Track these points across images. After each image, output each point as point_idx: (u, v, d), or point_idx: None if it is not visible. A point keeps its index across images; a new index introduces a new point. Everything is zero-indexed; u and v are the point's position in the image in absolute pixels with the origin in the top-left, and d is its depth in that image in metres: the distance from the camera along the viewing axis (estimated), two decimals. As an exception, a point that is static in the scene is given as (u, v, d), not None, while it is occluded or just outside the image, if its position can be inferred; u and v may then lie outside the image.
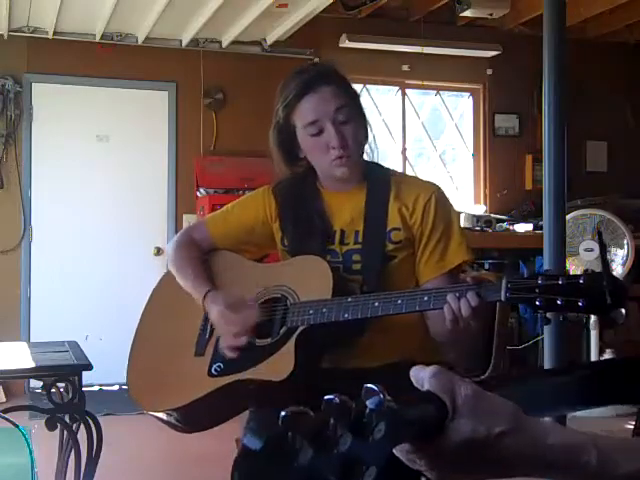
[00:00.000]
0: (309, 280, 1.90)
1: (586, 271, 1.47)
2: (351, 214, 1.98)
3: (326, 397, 0.68)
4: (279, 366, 1.80)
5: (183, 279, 2.07)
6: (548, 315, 1.54)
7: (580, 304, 1.45)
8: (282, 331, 1.86)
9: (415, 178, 2.12)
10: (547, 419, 0.81)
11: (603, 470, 0.76)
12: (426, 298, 1.71)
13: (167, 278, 2.20)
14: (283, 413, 0.66)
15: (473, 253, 2.00)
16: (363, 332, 1.86)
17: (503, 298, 1.58)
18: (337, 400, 0.68)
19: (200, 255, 2.10)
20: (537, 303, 1.51)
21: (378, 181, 2.00)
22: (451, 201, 2.03)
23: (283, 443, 0.65)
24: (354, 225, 1.97)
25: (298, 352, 1.80)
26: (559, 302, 1.48)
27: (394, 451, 0.76)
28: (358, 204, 1.98)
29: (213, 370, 1.91)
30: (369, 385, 0.71)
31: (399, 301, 1.73)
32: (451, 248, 1.94)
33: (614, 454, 0.77)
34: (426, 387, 0.79)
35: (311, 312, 1.82)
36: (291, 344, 1.82)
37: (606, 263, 1.44)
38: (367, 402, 0.70)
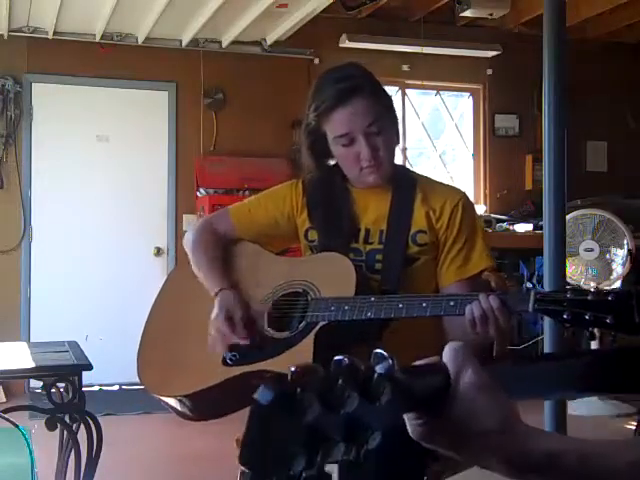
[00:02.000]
0: (332, 277, 1.90)
1: (615, 289, 1.48)
2: (376, 214, 2.00)
3: (335, 358, 0.69)
4: (296, 360, 1.80)
5: (199, 270, 2.07)
6: (595, 331, 1.54)
7: (608, 321, 1.46)
8: (301, 325, 1.86)
9: (442, 183, 2.14)
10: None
11: (585, 472, 0.77)
12: (452, 303, 1.71)
13: (182, 265, 2.21)
14: (293, 368, 0.67)
15: (494, 261, 2.02)
16: (382, 332, 1.86)
17: (531, 309, 1.59)
18: (346, 361, 0.68)
19: (219, 246, 2.10)
20: (565, 316, 1.52)
21: (404, 183, 2.02)
22: (476, 208, 2.07)
23: (292, 398, 0.65)
24: (379, 225, 1.99)
25: (317, 347, 1.80)
26: (587, 317, 1.49)
27: (405, 419, 0.76)
28: (384, 204, 2.00)
29: (228, 359, 1.91)
30: (379, 351, 0.72)
31: (424, 304, 1.73)
32: (474, 255, 1.96)
33: (596, 457, 0.78)
34: (443, 357, 0.80)
35: (332, 309, 1.82)
36: (310, 339, 1.82)
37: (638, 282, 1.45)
38: (376, 367, 0.70)
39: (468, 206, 2.00)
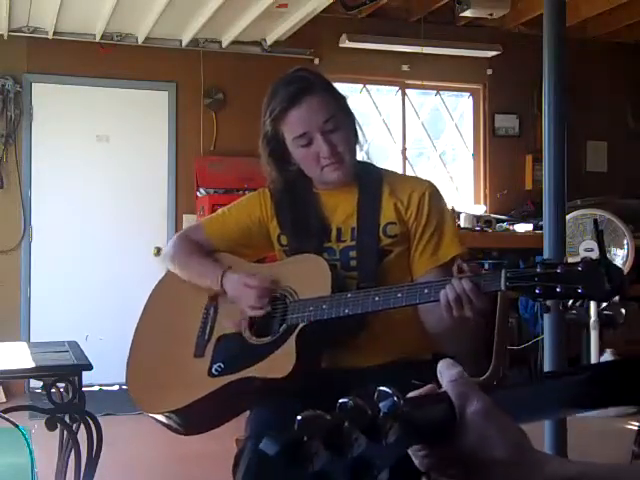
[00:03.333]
0: (308, 278, 1.91)
1: (584, 258, 1.48)
2: (346, 212, 2.01)
3: (340, 400, 0.69)
4: (281, 363, 1.81)
5: (189, 270, 2.08)
6: (548, 303, 1.55)
7: (579, 291, 1.46)
8: (282, 329, 1.87)
9: (408, 175, 2.18)
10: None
11: None
12: (426, 290, 1.71)
13: (165, 280, 2.20)
14: (299, 417, 0.66)
15: (466, 248, 2.02)
16: (362, 329, 1.87)
17: (503, 287, 1.59)
18: (351, 403, 0.68)
19: (201, 249, 2.11)
20: (537, 291, 1.51)
21: (370, 179, 2.04)
22: (444, 197, 2.07)
23: (299, 448, 0.65)
24: (349, 222, 2.00)
25: (299, 349, 1.81)
26: (558, 289, 1.48)
27: (410, 453, 0.76)
28: (351, 202, 2.01)
29: (214, 370, 1.91)
30: (383, 388, 0.71)
31: (399, 294, 1.74)
32: (444, 242, 1.97)
33: None
34: (444, 388, 0.79)
35: (311, 309, 1.83)
36: (292, 341, 1.83)
37: (603, 250, 1.45)
38: (380, 405, 0.70)
39: (435, 195, 2.01)
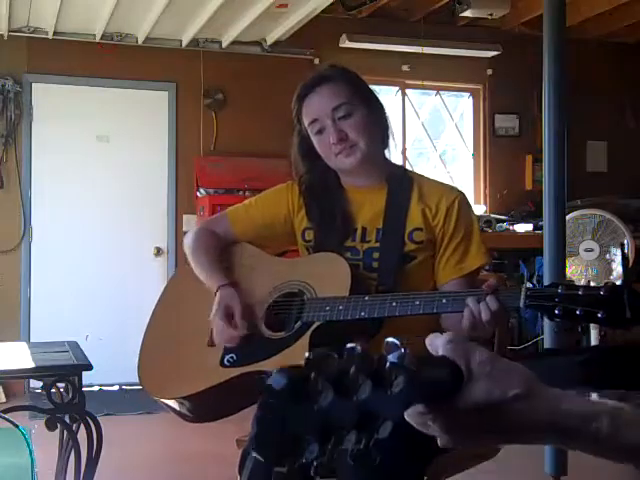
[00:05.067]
0: (327, 277, 1.90)
1: (606, 283, 1.47)
2: (372, 212, 2.00)
3: (348, 345, 0.69)
4: (292, 360, 1.80)
5: (199, 269, 2.09)
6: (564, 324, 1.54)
7: (599, 315, 1.45)
8: (297, 326, 1.87)
9: (437, 181, 2.14)
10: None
11: (613, 438, 0.76)
12: (445, 301, 1.71)
13: (183, 269, 2.22)
14: (308, 354, 0.67)
15: (491, 258, 2.02)
16: (379, 331, 1.86)
17: (522, 305, 1.58)
18: (359, 349, 0.69)
19: (219, 246, 2.11)
20: (556, 312, 1.50)
21: (399, 181, 2.02)
22: (472, 206, 2.06)
23: (306, 383, 0.65)
24: (375, 223, 1.99)
25: (312, 347, 1.81)
26: (578, 312, 1.47)
27: (407, 417, 0.76)
28: (379, 202, 2.00)
29: (226, 361, 1.91)
30: (391, 339, 0.72)
31: (417, 302, 1.73)
32: (471, 252, 1.96)
33: (625, 423, 0.77)
34: (441, 352, 0.80)
35: (327, 308, 1.82)
36: (305, 339, 1.83)
37: (628, 277, 1.44)
38: (389, 356, 0.70)
39: (464, 204, 2.00)
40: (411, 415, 0.76)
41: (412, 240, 1.95)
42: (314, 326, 1.83)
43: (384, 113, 2.05)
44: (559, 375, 0.89)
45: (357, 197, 2.03)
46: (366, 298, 1.79)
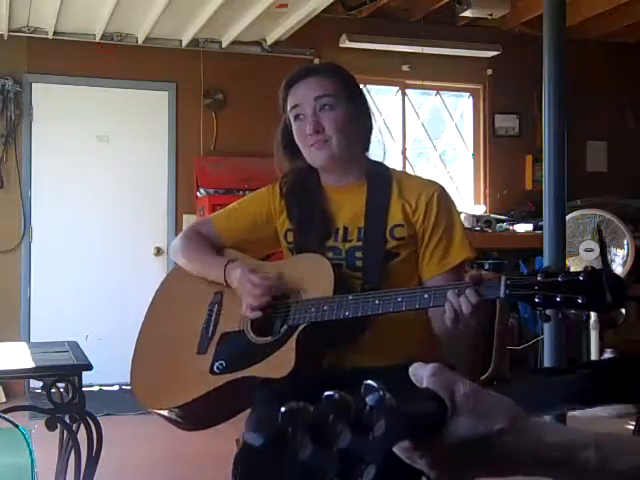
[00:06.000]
0: (311, 278, 1.90)
1: (586, 268, 1.46)
2: (353, 211, 1.99)
3: (325, 393, 0.68)
4: (280, 363, 1.81)
5: (195, 262, 2.08)
6: (547, 312, 1.53)
7: (579, 301, 1.44)
8: (283, 329, 1.87)
9: (417, 177, 2.13)
10: (546, 419, 0.82)
11: (603, 467, 0.76)
12: (426, 296, 1.71)
13: (171, 277, 2.21)
14: (283, 408, 0.66)
15: (475, 251, 2.00)
16: (364, 330, 1.86)
17: (502, 295, 1.57)
18: (337, 396, 0.68)
19: (208, 243, 2.11)
20: (536, 300, 1.49)
21: (379, 178, 2.01)
22: (453, 200, 2.04)
23: (283, 439, 0.65)
24: (356, 222, 1.98)
25: (299, 350, 1.81)
26: (558, 299, 1.46)
27: (395, 450, 0.76)
28: (359, 201, 1.99)
29: (215, 368, 1.91)
30: (369, 382, 0.71)
31: (399, 299, 1.73)
32: (454, 246, 1.95)
33: (614, 451, 0.77)
34: (425, 385, 0.79)
35: (312, 310, 1.82)
36: (292, 342, 1.83)
37: (606, 260, 1.44)
38: (367, 399, 0.69)
39: (444, 198, 1.98)
40: (399, 450, 0.76)
41: (393, 237, 1.94)
42: (300, 328, 1.83)
43: (369, 115, 2.04)
44: (561, 393, 0.89)
45: (336, 196, 2.02)
46: (350, 297, 1.79)
